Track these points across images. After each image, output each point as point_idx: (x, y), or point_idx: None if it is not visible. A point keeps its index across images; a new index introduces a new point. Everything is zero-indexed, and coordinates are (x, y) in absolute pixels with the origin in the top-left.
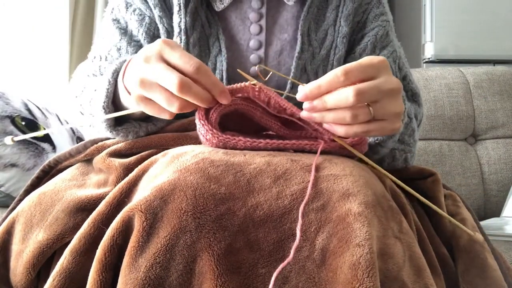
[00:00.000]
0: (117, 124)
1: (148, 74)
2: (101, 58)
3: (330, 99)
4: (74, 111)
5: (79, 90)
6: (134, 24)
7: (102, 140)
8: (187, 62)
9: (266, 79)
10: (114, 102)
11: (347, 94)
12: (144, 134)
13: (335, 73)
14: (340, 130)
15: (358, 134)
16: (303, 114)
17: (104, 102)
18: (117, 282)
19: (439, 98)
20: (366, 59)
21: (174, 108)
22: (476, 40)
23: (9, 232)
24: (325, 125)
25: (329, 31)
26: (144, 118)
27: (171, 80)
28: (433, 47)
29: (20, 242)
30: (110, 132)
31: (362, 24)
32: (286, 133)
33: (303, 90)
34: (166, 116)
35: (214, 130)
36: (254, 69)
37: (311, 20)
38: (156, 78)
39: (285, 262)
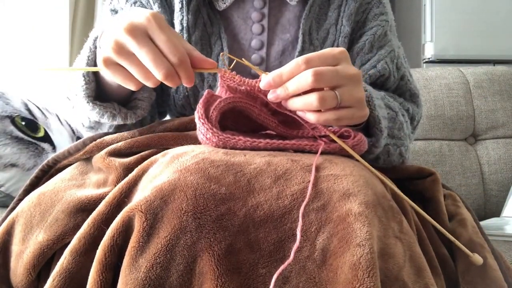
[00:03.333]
0: (96, 98)
1: (129, 44)
2: None
3: (290, 84)
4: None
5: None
6: None
7: (100, 136)
8: (172, 52)
9: (231, 66)
10: (96, 73)
11: (305, 75)
12: (121, 121)
13: (296, 61)
14: (312, 117)
15: (329, 121)
16: (270, 98)
17: (83, 73)
18: (117, 282)
19: (439, 98)
20: (327, 50)
21: (150, 83)
22: (476, 40)
23: (9, 233)
24: (299, 113)
25: (331, 30)
26: (125, 104)
27: (158, 67)
28: (433, 47)
29: (20, 242)
30: (87, 102)
31: (361, 23)
32: (283, 131)
33: (266, 79)
34: (131, 87)
35: (214, 129)
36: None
37: (312, 19)
38: (138, 53)
39: (286, 263)
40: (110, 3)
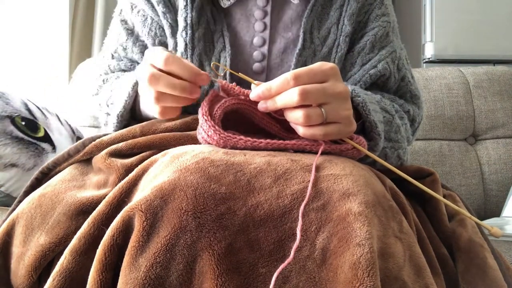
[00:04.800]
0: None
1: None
2: (109, 57)
3: (279, 100)
4: (93, 108)
5: (95, 89)
6: (139, 25)
7: (99, 136)
8: (156, 57)
9: (222, 74)
10: (132, 108)
11: (292, 93)
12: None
13: (285, 77)
14: (300, 130)
15: (316, 136)
16: (260, 108)
17: (119, 111)
18: (117, 282)
19: (439, 98)
20: (317, 65)
21: (162, 116)
22: (476, 40)
23: (9, 234)
24: (292, 124)
25: (332, 29)
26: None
27: (144, 76)
28: (433, 47)
29: (21, 244)
30: (112, 128)
31: (363, 23)
32: (285, 135)
33: (256, 91)
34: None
35: (217, 127)
36: (257, 65)
37: (314, 18)
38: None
39: (286, 262)
40: (120, 13)
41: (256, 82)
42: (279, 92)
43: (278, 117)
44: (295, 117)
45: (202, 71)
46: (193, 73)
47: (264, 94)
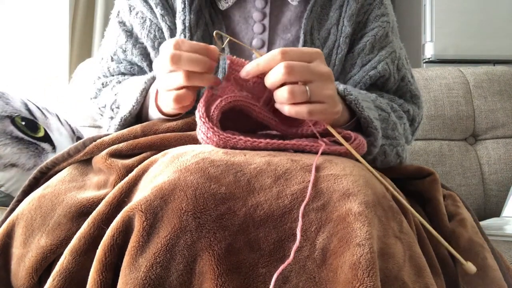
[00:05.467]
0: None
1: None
2: (108, 59)
3: (267, 77)
4: (91, 111)
5: (93, 92)
6: (137, 27)
7: (100, 137)
8: (169, 45)
9: (223, 45)
10: (137, 114)
11: (278, 68)
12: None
13: (273, 53)
14: (286, 109)
15: (301, 113)
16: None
17: (124, 115)
18: (117, 282)
19: (439, 98)
20: (305, 48)
21: (178, 103)
22: (476, 40)
23: (9, 235)
24: (277, 105)
25: (332, 30)
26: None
27: (164, 61)
28: (433, 47)
29: (22, 246)
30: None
31: (363, 24)
32: (283, 130)
33: (245, 68)
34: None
35: (215, 128)
36: None
37: (314, 19)
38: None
39: (286, 263)
40: (118, 15)
41: (258, 51)
42: (266, 67)
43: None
44: (280, 94)
45: (210, 45)
46: (203, 48)
47: (253, 69)
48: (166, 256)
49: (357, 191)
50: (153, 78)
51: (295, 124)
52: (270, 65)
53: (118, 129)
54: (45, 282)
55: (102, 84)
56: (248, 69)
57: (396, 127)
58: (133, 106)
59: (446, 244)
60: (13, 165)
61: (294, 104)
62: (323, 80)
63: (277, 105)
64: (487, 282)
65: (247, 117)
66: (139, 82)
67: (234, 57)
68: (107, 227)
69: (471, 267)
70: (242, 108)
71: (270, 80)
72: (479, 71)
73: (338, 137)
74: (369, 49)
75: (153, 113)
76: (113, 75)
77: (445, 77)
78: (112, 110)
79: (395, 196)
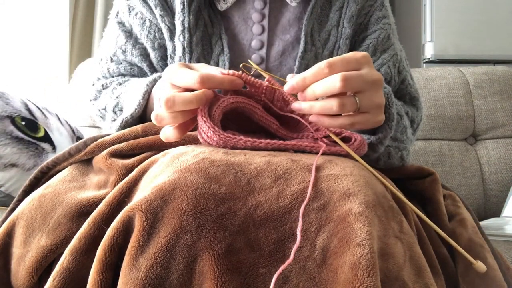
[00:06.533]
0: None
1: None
2: (107, 60)
3: (318, 87)
4: (91, 112)
5: (93, 94)
6: (137, 27)
7: (101, 136)
8: (190, 78)
9: (252, 73)
10: (140, 116)
11: (334, 80)
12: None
13: (319, 66)
14: (327, 122)
15: (344, 126)
16: (294, 105)
17: (125, 117)
18: (117, 282)
19: (439, 98)
20: (350, 54)
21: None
22: (476, 40)
23: (9, 235)
24: (312, 118)
25: (332, 32)
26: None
27: (161, 102)
28: (433, 47)
29: (22, 246)
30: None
31: (364, 26)
32: (285, 134)
33: (290, 82)
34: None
35: (216, 128)
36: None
37: (314, 20)
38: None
39: (286, 263)
40: (117, 15)
41: (290, 75)
42: (313, 81)
43: (278, 111)
44: (328, 106)
45: (236, 76)
46: (230, 81)
47: (299, 84)
48: (166, 256)
49: (357, 191)
50: (155, 80)
51: (296, 129)
52: (317, 79)
53: (118, 130)
54: (45, 282)
55: (102, 85)
56: (293, 85)
57: (405, 131)
58: (136, 109)
59: (454, 244)
60: (13, 165)
61: (337, 116)
62: (375, 89)
63: (313, 118)
64: (487, 282)
65: (248, 119)
66: (141, 84)
67: (272, 79)
68: (108, 227)
69: (481, 265)
70: (244, 110)
71: (322, 90)
72: (479, 71)
73: (340, 142)
74: (371, 51)
75: None
76: (113, 76)
77: (445, 77)
78: (115, 113)
79: (396, 195)
